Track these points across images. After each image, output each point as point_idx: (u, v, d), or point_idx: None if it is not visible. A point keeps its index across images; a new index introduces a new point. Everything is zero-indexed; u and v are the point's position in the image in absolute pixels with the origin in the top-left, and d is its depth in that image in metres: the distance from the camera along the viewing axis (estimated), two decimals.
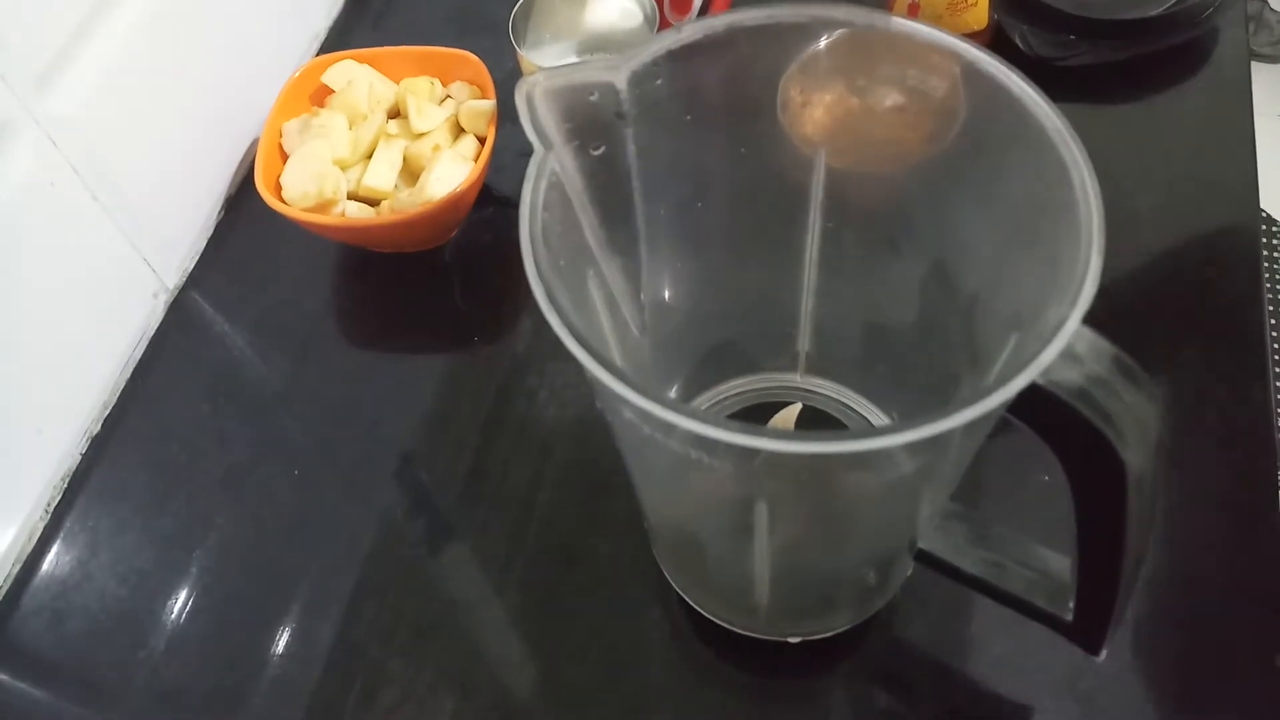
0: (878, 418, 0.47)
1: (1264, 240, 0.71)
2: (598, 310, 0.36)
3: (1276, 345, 0.83)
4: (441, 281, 0.59)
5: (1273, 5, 1.70)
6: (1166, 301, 0.54)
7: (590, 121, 0.33)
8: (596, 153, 0.33)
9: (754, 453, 0.26)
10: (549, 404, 0.53)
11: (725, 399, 0.48)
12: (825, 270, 0.43)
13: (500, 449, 0.52)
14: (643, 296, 0.40)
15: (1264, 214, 0.73)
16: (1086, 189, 0.28)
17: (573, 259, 0.33)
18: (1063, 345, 0.26)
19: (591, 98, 0.32)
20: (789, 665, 0.44)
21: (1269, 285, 0.57)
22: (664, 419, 0.25)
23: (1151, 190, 0.59)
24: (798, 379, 0.48)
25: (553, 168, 0.31)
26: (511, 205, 0.62)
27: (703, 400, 0.48)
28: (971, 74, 0.32)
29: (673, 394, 0.47)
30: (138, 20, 0.55)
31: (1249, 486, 0.47)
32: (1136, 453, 0.28)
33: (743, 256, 0.42)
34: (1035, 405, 0.27)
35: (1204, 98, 0.64)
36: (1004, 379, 0.25)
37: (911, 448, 0.25)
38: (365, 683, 0.45)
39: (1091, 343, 0.27)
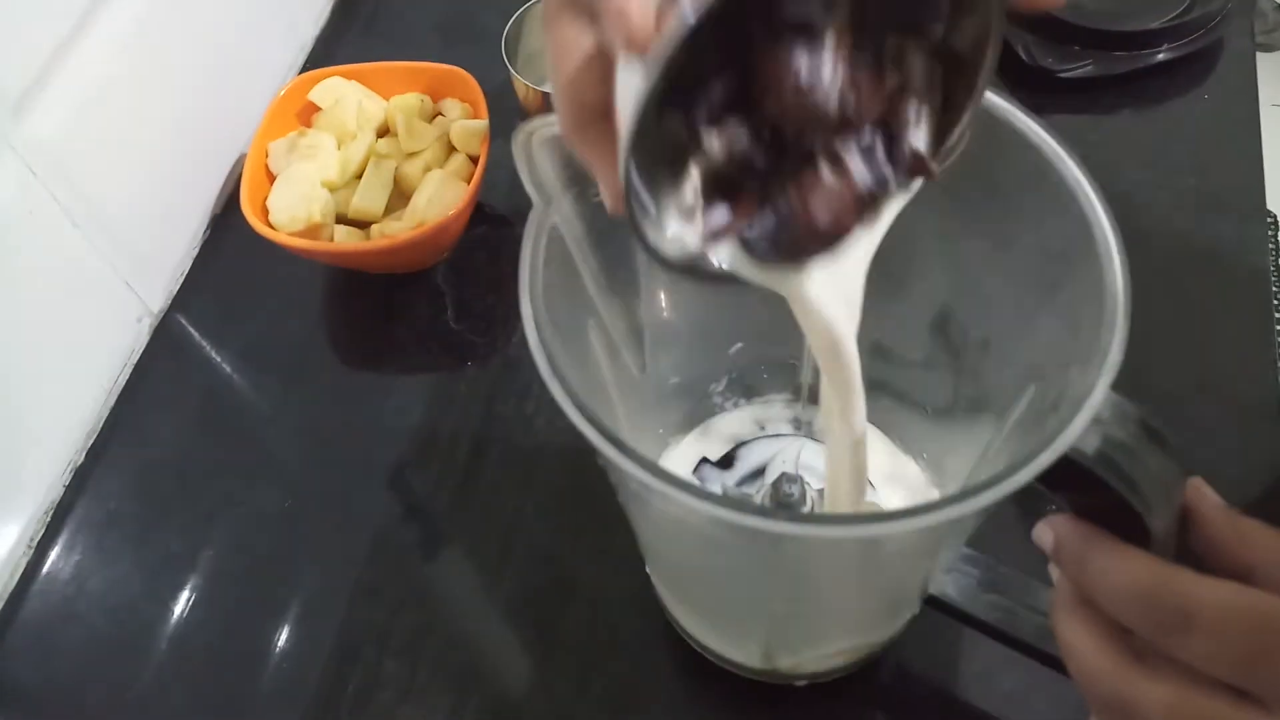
0: (885, 441, 0.45)
1: (1271, 239, 0.70)
2: (598, 358, 0.34)
3: None
4: (433, 302, 0.58)
5: None
6: (1171, 315, 0.53)
7: None
8: (597, 199, 0.32)
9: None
10: (543, 429, 0.52)
11: (727, 432, 0.47)
12: None
13: (492, 474, 0.51)
14: (644, 334, 0.38)
15: (1272, 218, 0.72)
16: (1110, 246, 0.27)
17: (572, 309, 0.32)
18: (1090, 417, 0.25)
19: None
20: (795, 705, 0.43)
21: (1277, 290, 0.56)
22: (671, 495, 0.24)
23: (1156, 201, 0.58)
24: (800, 410, 0.47)
25: (552, 221, 0.29)
26: (505, 224, 0.60)
27: (702, 431, 0.47)
28: (988, 119, 0.31)
29: (674, 428, 0.46)
30: (116, 41, 0.53)
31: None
32: (1161, 517, 0.27)
33: (745, 288, 0.41)
34: (1058, 471, 0.26)
35: (1209, 107, 0.63)
36: (1031, 455, 0.24)
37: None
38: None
39: (1116, 406, 0.26)
